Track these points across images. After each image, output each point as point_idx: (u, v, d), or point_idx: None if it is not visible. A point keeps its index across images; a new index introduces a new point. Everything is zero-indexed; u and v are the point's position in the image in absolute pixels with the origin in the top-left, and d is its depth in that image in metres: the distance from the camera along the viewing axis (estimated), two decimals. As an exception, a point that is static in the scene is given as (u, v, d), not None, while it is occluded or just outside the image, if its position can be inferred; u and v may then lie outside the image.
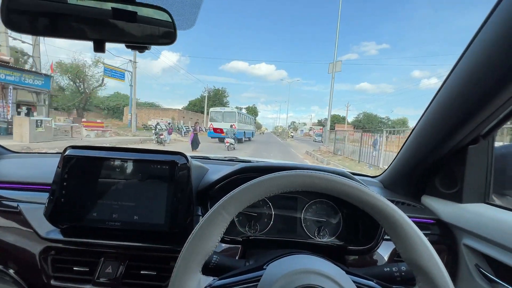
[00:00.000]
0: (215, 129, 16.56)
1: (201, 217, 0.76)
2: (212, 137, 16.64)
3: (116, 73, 19.33)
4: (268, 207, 0.81)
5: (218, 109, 19.42)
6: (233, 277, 0.46)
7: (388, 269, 0.58)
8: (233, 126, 15.69)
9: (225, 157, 1.28)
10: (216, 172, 0.86)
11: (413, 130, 0.84)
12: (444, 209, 0.78)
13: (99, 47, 0.54)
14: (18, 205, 0.78)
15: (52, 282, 0.69)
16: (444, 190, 0.80)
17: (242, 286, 0.44)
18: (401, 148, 0.91)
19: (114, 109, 35.83)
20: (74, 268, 0.70)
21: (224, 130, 14.59)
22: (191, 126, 16.95)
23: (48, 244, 0.72)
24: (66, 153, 0.71)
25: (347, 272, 0.47)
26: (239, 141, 16.22)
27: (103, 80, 23.70)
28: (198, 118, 37.16)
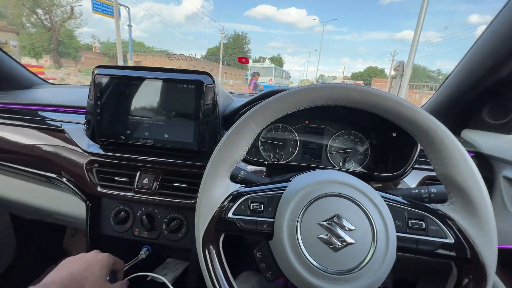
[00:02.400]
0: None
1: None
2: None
3: (109, 9, 15.17)
4: (293, 137, 0.83)
5: (257, 64, 21.73)
6: (260, 185, 0.49)
7: (416, 191, 0.59)
8: (270, 81, 17.81)
9: (249, 93, 1.30)
10: (241, 101, 0.87)
11: (463, 58, 0.75)
12: (487, 141, 0.74)
13: None
14: (61, 125, 0.87)
15: (99, 189, 0.80)
16: (492, 121, 0.75)
17: (268, 193, 0.47)
18: (446, 79, 0.84)
19: (111, 55, 32.21)
20: (116, 178, 0.80)
21: (261, 84, 15.76)
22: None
23: (90, 158, 0.81)
24: (96, 72, 0.75)
25: (375, 188, 0.47)
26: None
27: (72, 10, 18.26)
28: (213, 68, 34.03)
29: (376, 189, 0.77)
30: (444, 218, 0.42)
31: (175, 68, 0.76)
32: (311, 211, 0.42)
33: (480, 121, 0.78)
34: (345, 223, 0.41)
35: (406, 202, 0.46)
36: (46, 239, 1.36)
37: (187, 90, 0.72)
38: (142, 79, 0.74)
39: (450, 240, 0.41)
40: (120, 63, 12.32)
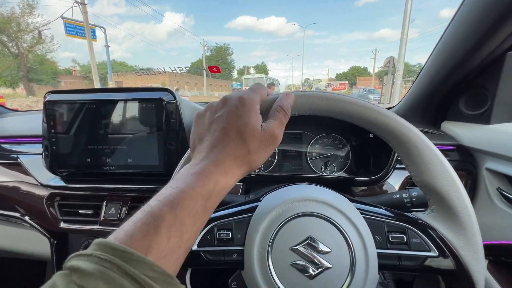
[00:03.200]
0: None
1: None
2: None
3: (82, 31, 14.54)
4: None
5: (249, 76, 25.64)
6: (228, 209, 0.45)
7: (397, 196, 0.55)
8: None
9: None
10: None
11: (432, 52, 0.74)
12: (467, 133, 0.72)
13: None
14: (18, 157, 0.82)
15: (62, 224, 0.74)
16: (469, 112, 0.73)
17: (237, 217, 0.44)
18: (418, 75, 0.83)
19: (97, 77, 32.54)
20: (80, 211, 0.74)
21: None
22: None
23: (51, 191, 0.75)
24: (47, 99, 0.70)
25: (351, 200, 0.44)
26: None
27: (40, 34, 16.90)
28: (197, 82, 33.65)
29: (361, 194, 0.75)
30: (425, 228, 0.39)
31: (132, 87, 0.72)
32: (283, 235, 0.39)
33: (458, 112, 0.76)
34: (320, 245, 0.37)
35: (385, 213, 0.43)
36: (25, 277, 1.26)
37: (147, 109, 0.68)
38: (98, 102, 0.69)
39: (434, 253, 0.38)
40: (97, 84, 12.14)
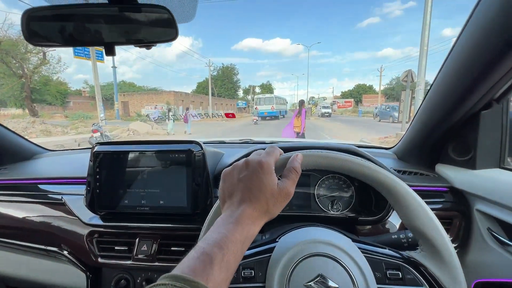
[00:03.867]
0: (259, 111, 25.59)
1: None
2: (259, 116, 23.88)
3: (90, 52, 14.42)
4: None
5: (260, 95, 28.14)
6: (250, 249, 0.54)
7: (395, 236, 0.65)
8: (272, 108, 24.83)
9: (240, 139, 1.37)
10: (231, 155, 0.95)
11: (424, 98, 0.85)
12: (458, 176, 0.81)
13: (109, 51, 0.61)
14: (62, 197, 0.93)
15: (100, 259, 0.83)
16: (457, 158, 0.82)
17: (257, 257, 0.52)
18: (413, 118, 0.93)
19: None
20: (116, 248, 0.84)
21: (267, 111, 24.48)
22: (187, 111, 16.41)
23: (91, 229, 0.86)
24: (95, 149, 0.83)
25: (354, 240, 0.53)
26: (276, 118, 25.06)
27: (44, 55, 16.86)
28: (203, 101, 34.18)
29: (366, 233, 0.83)
30: (417, 266, 0.48)
31: (167, 139, 0.85)
32: (298, 272, 0.47)
33: (448, 157, 0.85)
34: (329, 282, 0.46)
35: (383, 252, 0.52)
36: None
37: (179, 159, 0.80)
38: (137, 152, 0.82)
39: (425, 287, 0.46)
40: (99, 104, 12.60)
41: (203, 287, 0.30)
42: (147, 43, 0.63)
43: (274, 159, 0.46)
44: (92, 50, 13.96)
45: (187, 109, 14.98)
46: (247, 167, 0.43)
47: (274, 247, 0.53)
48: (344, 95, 58.36)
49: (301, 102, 6.37)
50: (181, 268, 0.32)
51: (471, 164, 0.78)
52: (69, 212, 0.90)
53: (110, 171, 0.83)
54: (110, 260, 0.84)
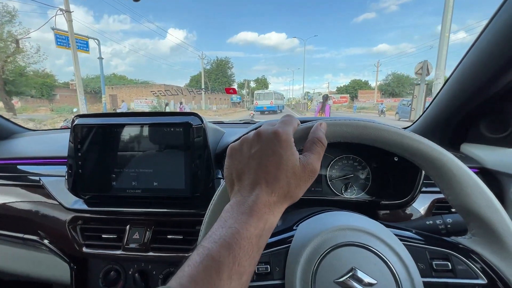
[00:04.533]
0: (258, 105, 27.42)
1: (222, 179, 0.79)
2: (257, 110, 25.92)
3: (75, 42, 13.72)
4: None
5: (260, 91, 30.39)
6: None
7: (430, 222, 0.57)
8: (271, 102, 26.60)
9: (240, 120, 1.28)
10: (233, 135, 0.85)
11: (454, 71, 0.76)
12: (490, 156, 0.74)
13: None
14: (40, 179, 0.82)
15: (84, 249, 0.73)
16: (491, 135, 0.75)
17: (273, 249, 0.43)
18: (437, 94, 0.85)
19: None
20: (103, 236, 0.74)
21: (266, 105, 26.23)
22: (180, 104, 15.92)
23: (74, 215, 0.76)
24: (75, 123, 0.72)
25: (386, 226, 0.44)
26: (274, 112, 26.30)
27: (17, 43, 15.64)
28: (196, 95, 33.23)
29: (383, 218, 0.76)
30: (469, 254, 0.39)
31: (160, 111, 0.75)
32: (325, 267, 0.39)
33: (479, 135, 0.78)
34: (364, 277, 0.37)
35: (425, 239, 0.43)
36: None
37: (175, 134, 0.70)
38: (126, 126, 0.71)
39: (483, 280, 0.38)
40: (80, 97, 12.00)
41: None
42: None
43: (292, 129, 0.37)
44: (72, 38, 13.39)
45: (181, 103, 14.59)
46: (260, 139, 0.35)
47: (292, 236, 0.44)
48: (340, 90, 58.53)
49: (325, 97, 5.72)
50: (179, 278, 0.25)
51: (507, 142, 0.71)
52: (49, 196, 0.80)
53: (94, 148, 0.72)
54: (96, 250, 0.74)
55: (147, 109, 22.66)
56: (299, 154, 0.35)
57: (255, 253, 0.29)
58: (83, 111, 12.65)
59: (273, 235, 0.47)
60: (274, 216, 0.32)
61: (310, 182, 0.34)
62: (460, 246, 0.41)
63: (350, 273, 0.37)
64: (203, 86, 32.49)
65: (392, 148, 0.40)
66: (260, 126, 0.38)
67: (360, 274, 0.37)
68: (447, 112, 0.82)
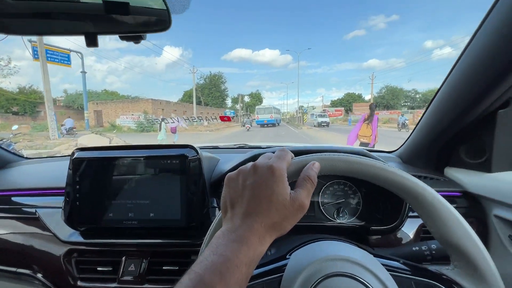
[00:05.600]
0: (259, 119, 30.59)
1: (217, 208, 0.80)
2: (258, 124, 29.92)
3: (55, 55, 13.98)
4: None
5: (260, 106, 35.28)
6: (256, 268, 0.48)
7: (417, 248, 0.60)
8: (271, 116, 30.05)
9: (234, 144, 1.33)
10: (228, 162, 0.90)
11: (432, 99, 0.83)
12: (471, 180, 0.79)
13: (91, 42, 0.55)
14: (36, 211, 0.84)
15: (79, 283, 0.75)
16: (470, 160, 0.81)
17: (266, 278, 0.46)
18: (420, 120, 0.92)
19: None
20: (98, 268, 0.76)
21: (266, 119, 29.63)
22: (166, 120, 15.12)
23: (70, 247, 0.78)
24: (75, 156, 0.76)
25: (374, 255, 0.48)
26: (273, 125, 29.80)
27: None
28: (187, 110, 33.35)
29: (375, 243, 0.80)
30: (451, 285, 0.43)
31: (156, 144, 0.80)
32: None
33: (460, 160, 0.84)
34: None
35: (410, 270, 0.47)
36: None
37: (171, 165, 0.74)
38: (124, 159, 0.76)
39: None
40: (49, 113, 11.25)
41: None
42: (136, 33, 0.58)
43: (286, 164, 0.41)
44: (41, 48, 12.54)
45: (163, 119, 14.09)
46: (256, 172, 0.38)
47: (285, 265, 0.48)
48: (334, 103, 59.57)
49: (373, 107, 4.98)
50: None
51: (485, 167, 0.76)
52: (44, 228, 0.82)
53: (92, 180, 0.76)
54: (91, 283, 0.76)
55: (133, 126, 22.22)
56: (291, 189, 0.39)
57: (244, 280, 0.32)
58: (53, 128, 11.95)
59: (267, 264, 0.51)
60: (262, 246, 0.35)
61: (299, 216, 0.38)
62: (444, 277, 0.44)
63: None
64: (194, 101, 32.70)
65: (379, 182, 0.45)
66: (256, 157, 0.42)
67: None
68: (428, 138, 0.88)
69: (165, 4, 0.55)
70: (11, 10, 0.53)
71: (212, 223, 0.46)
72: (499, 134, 0.73)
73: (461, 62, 0.70)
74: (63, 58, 14.71)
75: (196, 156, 0.75)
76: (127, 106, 27.07)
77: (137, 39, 0.61)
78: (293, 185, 0.40)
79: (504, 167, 0.75)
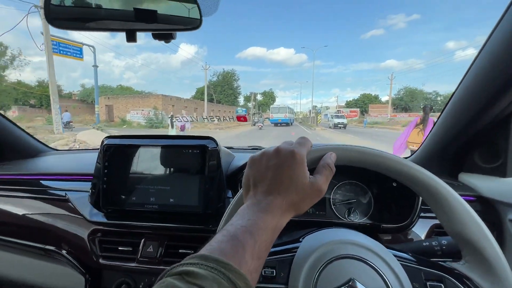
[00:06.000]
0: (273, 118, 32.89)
1: (231, 199, 0.88)
2: (272, 122, 32.02)
3: (67, 49, 13.94)
4: None
5: (275, 105, 38.36)
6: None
7: (427, 243, 0.61)
8: (285, 115, 31.84)
9: (248, 146, 1.38)
10: (242, 159, 0.94)
11: (447, 104, 0.84)
12: (486, 184, 0.80)
13: (130, 37, 0.61)
14: (66, 194, 0.92)
15: (101, 260, 0.81)
16: (485, 165, 0.81)
17: (280, 256, 0.49)
18: (434, 125, 0.93)
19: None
20: (119, 248, 0.82)
21: (280, 118, 31.54)
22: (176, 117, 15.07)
23: (94, 227, 0.84)
24: (105, 143, 0.83)
25: (386, 247, 0.49)
26: (287, 124, 31.41)
27: None
28: (198, 106, 33.53)
29: (386, 242, 0.82)
30: (462, 279, 0.44)
31: (181, 135, 0.86)
32: (325, 275, 0.44)
33: (474, 165, 0.85)
34: None
35: (422, 261, 0.48)
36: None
37: (192, 155, 0.80)
38: (149, 147, 0.82)
39: None
40: (55, 106, 11.18)
41: (236, 271, 0.28)
42: (170, 30, 0.63)
43: (306, 150, 0.44)
44: (47, 39, 11.96)
45: (172, 116, 14.01)
46: (278, 155, 0.42)
47: (298, 247, 0.51)
48: (349, 104, 58.50)
49: (427, 109, 4.34)
50: (209, 250, 0.30)
51: (501, 171, 0.77)
52: (72, 209, 0.89)
53: (119, 166, 0.82)
54: (112, 262, 0.82)
55: (142, 121, 22.35)
56: (310, 174, 0.41)
57: (269, 243, 0.35)
58: (57, 121, 11.99)
59: (280, 245, 0.54)
60: (282, 219, 0.38)
61: (316, 199, 0.41)
62: (455, 271, 0.45)
63: (349, 283, 0.42)
64: (205, 98, 32.93)
65: (392, 174, 0.47)
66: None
67: (358, 285, 0.42)
68: (442, 143, 0.90)
69: (197, 4, 0.60)
70: (66, 13, 0.61)
71: (232, 201, 0.49)
72: None
73: (476, 64, 0.71)
74: (75, 51, 14.72)
75: (216, 147, 0.80)
76: (138, 101, 27.32)
77: (167, 38, 0.66)
78: (310, 172, 0.43)
79: None
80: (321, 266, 0.45)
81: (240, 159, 0.97)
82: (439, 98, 47.94)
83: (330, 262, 0.45)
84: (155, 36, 0.62)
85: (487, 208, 0.80)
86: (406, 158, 1.14)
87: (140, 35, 0.66)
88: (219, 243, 0.32)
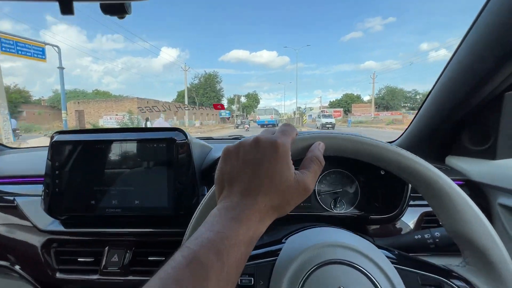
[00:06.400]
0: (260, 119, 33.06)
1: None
2: (259, 124, 30.59)
3: (26, 49, 12.46)
4: None
5: (261, 107, 39.45)
6: None
7: (419, 236, 0.58)
8: (272, 117, 32.02)
9: (229, 136, 1.31)
10: (221, 150, 0.90)
11: (434, 86, 0.82)
12: (474, 168, 0.78)
13: (65, 9, 0.51)
14: (14, 199, 0.82)
15: (58, 275, 0.72)
16: (473, 147, 0.79)
17: (259, 261, 0.44)
18: (420, 109, 0.91)
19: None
20: (79, 259, 0.73)
21: (267, 119, 31.04)
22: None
23: (49, 237, 0.75)
24: (54, 139, 0.73)
25: (377, 246, 0.45)
26: (273, 126, 29.21)
27: None
28: (177, 110, 30.95)
29: (373, 233, 0.78)
30: (462, 283, 0.39)
31: (142, 127, 0.78)
32: (311, 284, 0.38)
33: (463, 148, 0.83)
34: None
35: (417, 263, 0.44)
36: None
37: (158, 150, 0.72)
38: (107, 142, 0.73)
39: None
40: (3, 112, 10.21)
41: None
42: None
43: (290, 139, 0.37)
44: None
45: (147, 119, 13.17)
46: (257, 147, 0.35)
47: (280, 249, 0.45)
48: (332, 104, 59.85)
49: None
50: (163, 280, 0.24)
51: (490, 154, 0.75)
52: (22, 217, 0.79)
53: (73, 166, 0.73)
54: (71, 275, 0.73)
55: (116, 127, 21.95)
56: (295, 168, 0.35)
57: (242, 262, 0.29)
58: (5, 129, 10.78)
59: (260, 247, 0.48)
60: (261, 226, 0.32)
61: (301, 199, 0.35)
62: (455, 274, 0.41)
63: None
64: (186, 101, 32.51)
65: (386, 165, 0.41)
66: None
67: None
68: (430, 126, 0.87)
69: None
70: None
71: (203, 199, 0.43)
72: (505, 118, 0.71)
73: (466, 42, 0.68)
74: (37, 52, 13.31)
75: (185, 140, 0.73)
76: (111, 105, 25.74)
77: (120, 12, 0.57)
78: (296, 163, 0.37)
79: (510, 153, 0.73)
80: (306, 273, 0.39)
81: (218, 149, 0.91)
82: (418, 97, 50.12)
83: (317, 268, 0.39)
84: (104, 9, 0.53)
85: (476, 192, 0.78)
86: (391, 141, 1.11)
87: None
88: (175, 269, 0.25)
